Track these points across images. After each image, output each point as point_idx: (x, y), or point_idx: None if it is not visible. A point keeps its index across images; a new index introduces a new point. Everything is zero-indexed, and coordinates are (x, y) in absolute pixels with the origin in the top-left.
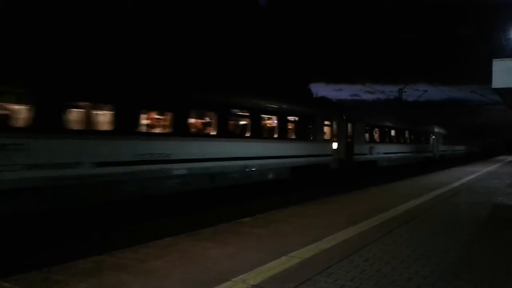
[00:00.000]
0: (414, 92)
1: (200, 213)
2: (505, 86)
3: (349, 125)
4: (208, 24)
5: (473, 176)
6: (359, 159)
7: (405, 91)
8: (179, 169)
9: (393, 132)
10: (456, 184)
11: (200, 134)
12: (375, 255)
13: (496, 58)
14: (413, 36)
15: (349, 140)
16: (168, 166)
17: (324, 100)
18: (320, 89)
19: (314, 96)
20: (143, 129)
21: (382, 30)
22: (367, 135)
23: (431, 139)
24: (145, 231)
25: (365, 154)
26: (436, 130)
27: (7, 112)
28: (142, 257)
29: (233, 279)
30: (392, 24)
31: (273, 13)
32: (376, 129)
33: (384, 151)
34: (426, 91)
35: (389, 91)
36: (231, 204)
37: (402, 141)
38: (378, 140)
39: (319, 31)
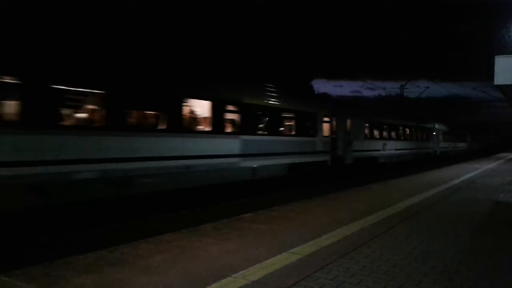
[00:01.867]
0: (415, 89)
1: (201, 209)
2: (507, 83)
3: None
4: (209, 20)
5: (474, 173)
6: None
7: (406, 88)
8: None
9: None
10: (456, 181)
11: None
12: (375, 252)
13: (498, 54)
14: (414, 32)
15: None
16: None
17: None
18: (321, 86)
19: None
20: None
21: (383, 26)
22: None
23: (324, 129)
24: (146, 226)
25: None
26: (346, 114)
27: None
28: (143, 252)
29: (233, 275)
30: (394, 21)
31: (274, 9)
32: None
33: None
34: (427, 87)
35: (390, 87)
36: (232, 200)
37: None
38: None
39: (320, 27)
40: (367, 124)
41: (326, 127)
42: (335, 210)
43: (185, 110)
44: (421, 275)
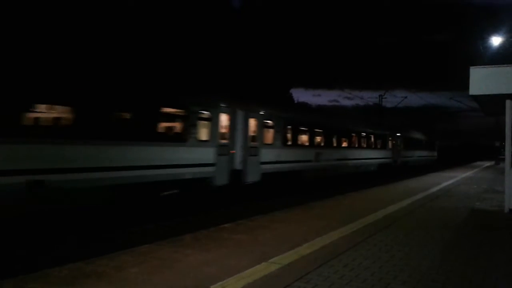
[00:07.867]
0: (393, 99)
1: (181, 219)
2: (482, 93)
3: None
4: (187, 28)
5: (451, 181)
6: None
7: (385, 98)
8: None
9: None
10: (434, 189)
11: None
12: (354, 260)
13: (473, 65)
14: (392, 41)
15: None
16: None
17: None
18: (300, 95)
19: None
20: None
21: (361, 36)
22: None
23: (201, 131)
24: (123, 237)
25: None
26: (248, 111)
27: None
28: (120, 264)
29: (212, 286)
30: (371, 31)
31: (253, 18)
32: None
33: None
34: (405, 97)
35: (367, 97)
36: (213, 210)
37: None
38: None
39: (298, 36)
40: (289, 127)
41: (205, 129)
42: (315, 219)
43: None
44: (399, 283)
